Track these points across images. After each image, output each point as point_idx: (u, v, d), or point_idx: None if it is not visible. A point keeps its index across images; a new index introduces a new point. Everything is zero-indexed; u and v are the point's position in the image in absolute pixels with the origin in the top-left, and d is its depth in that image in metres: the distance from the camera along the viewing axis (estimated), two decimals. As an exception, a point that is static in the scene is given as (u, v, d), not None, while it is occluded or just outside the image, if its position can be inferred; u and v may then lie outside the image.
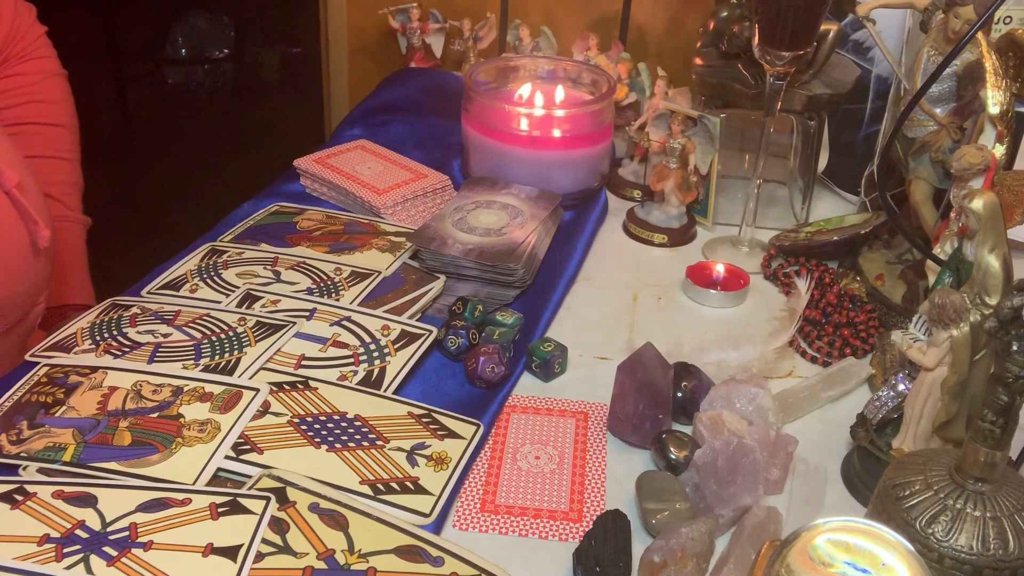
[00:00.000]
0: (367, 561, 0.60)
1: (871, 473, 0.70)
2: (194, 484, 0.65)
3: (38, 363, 0.77)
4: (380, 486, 0.67)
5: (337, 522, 0.63)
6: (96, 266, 1.13)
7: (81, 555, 0.58)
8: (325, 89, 1.72)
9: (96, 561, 0.58)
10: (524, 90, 1.13)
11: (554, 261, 0.98)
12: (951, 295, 0.63)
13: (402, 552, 0.61)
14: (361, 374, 0.78)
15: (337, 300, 0.87)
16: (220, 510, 0.63)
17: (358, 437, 0.71)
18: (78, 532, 0.60)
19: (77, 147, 1.10)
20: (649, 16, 1.45)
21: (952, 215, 0.79)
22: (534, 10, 1.48)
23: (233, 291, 0.88)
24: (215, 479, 0.67)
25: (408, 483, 0.67)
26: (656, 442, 0.72)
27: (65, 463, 0.66)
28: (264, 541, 0.61)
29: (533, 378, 0.82)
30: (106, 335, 0.81)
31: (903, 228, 0.87)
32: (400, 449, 0.70)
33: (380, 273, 0.92)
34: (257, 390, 0.74)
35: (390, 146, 1.16)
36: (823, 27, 0.99)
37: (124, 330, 0.81)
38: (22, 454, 0.67)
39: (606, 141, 1.11)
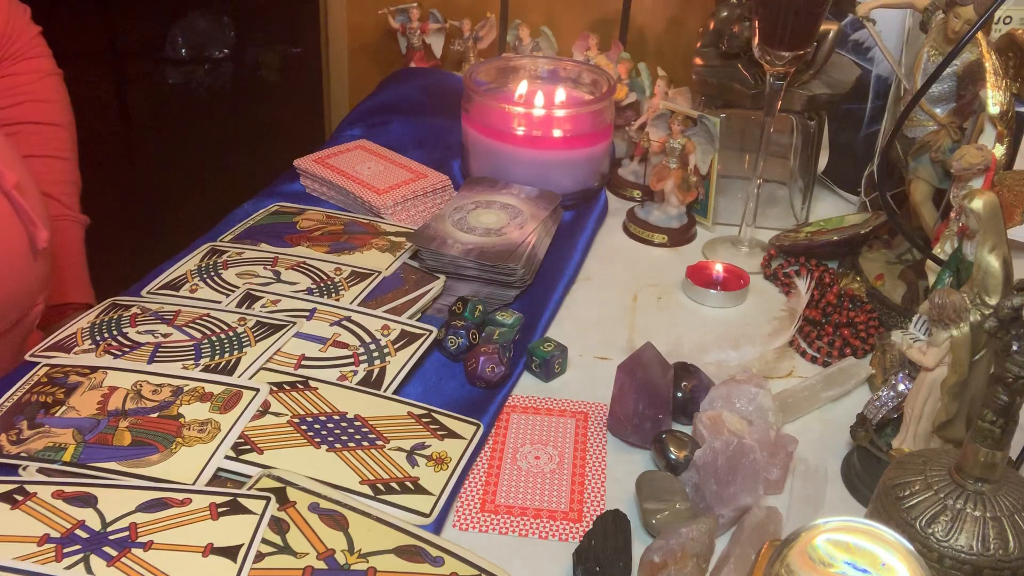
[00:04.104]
0: (367, 561, 0.60)
1: (871, 473, 0.70)
2: (194, 484, 0.65)
3: (38, 363, 0.77)
4: (380, 486, 0.67)
5: (337, 522, 0.63)
6: (96, 266, 1.13)
7: (81, 555, 0.58)
8: (325, 89, 1.72)
9: (96, 561, 0.58)
10: (524, 90, 1.13)
11: (554, 261, 0.98)
12: (951, 295, 0.63)
13: (402, 552, 0.61)
14: (361, 374, 0.78)
15: (337, 300, 0.87)
16: (220, 510, 0.63)
17: (358, 437, 0.71)
18: (78, 532, 0.60)
19: (75, 146, 1.10)
20: (649, 16, 1.45)
21: (952, 215, 0.80)
22: (534, 10, 1.48)
23: (233, 291, 0.88)
24: (215, 479, 0.67)
25: (408, 483, 0.67)
26: (656, 442, 0.72)
27: (65, 463, 0.66)
28: (264, 541, 0.61)
29: (533, 378, 0.82)
30: (106, 335, 0.81)
31: (903, 228, 0.87)
32: (400, 449, 0.70)
33: (380, 273, 0.92)
34: (257, 390, 0.74)
35: (390, 146, 1.16)
36: (823, 27, 0.99)
37: (124, 330, 0.81)
38: (22, 454, 0.67)
39: (606, 141, 1.11)
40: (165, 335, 0.80)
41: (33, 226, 0.84)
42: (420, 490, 0.67)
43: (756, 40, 0.92)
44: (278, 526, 0.62)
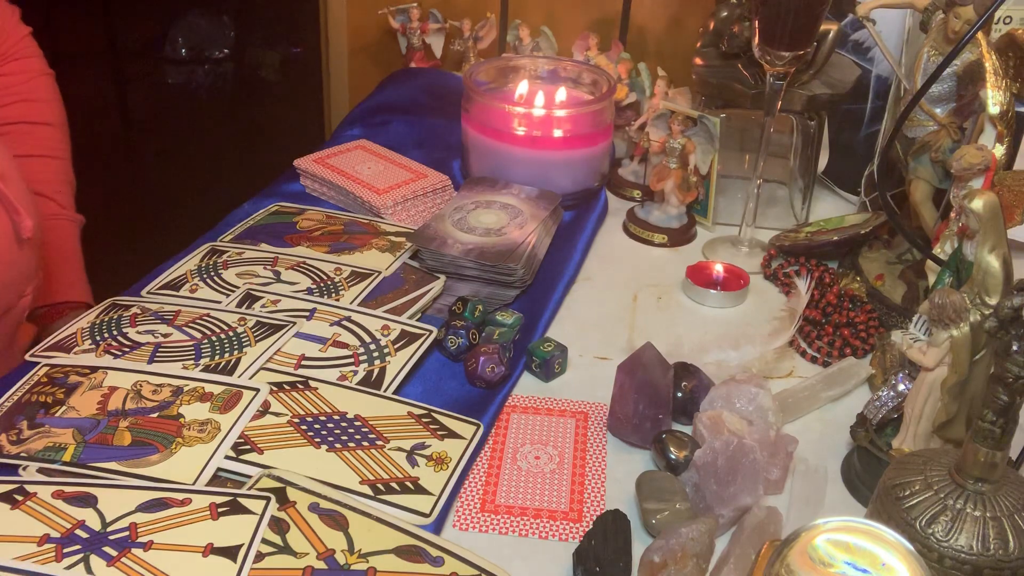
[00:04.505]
0: (367, 561, 0.60)
1: (871, 473, 0.70)
2: (194, 484, 0.65)
3: (38, 363, 0.77)
4: (380, 486, 0.67)
5: (337, 522, 0.63)
6: (96, 266, 1.13)
7: (81, 555, 0.58)
8: (325, 89, 1.72)
9: (96, 561, 0.58)
10: (524, 90, 1.13)
11: (554, 261, 0.98)
12: (951, 295, 0.63)
13: (402, 552, 0.61)
14: (361, 374, 0.78)
15: (337, 300, 0.87)
16: (220, 510, 0.63)
17: (358, 437, 0.71)
18: (78, 532, 0.60)
19: (68, 146, 1.10)
20: (649, 16, 1.45)
21: (952, 215, 0.80)
22: (534, 10, 1.48)
23: (233, 291, 0.88)
24: (215, 479, 0.67)
25: (408, 483, 0.67)
26: (656, 442, 0.72)
27: (65, 463, 0.66)
28: (264, 541, 0.61)
29: (533, 378, 0.82)
30: (106, 335, 0.81)
31: (903, 228, 0.87)
32: (400, 449, 0.70)
33: (380, 273, 0.92)
34: (257, 390, 0.74)
35: (390, 146, 1.16)
36: (823, 27, 0.99)
37: (124, 330, 0.81)
38: (22, 454, 0.67)
39: (606, 141, 1.11)
40: (165, 335, 0.80)
41: (17, 215, 0.84)
42: (420, 490, 0.67)
43: (756, 40, 0.92)
44: (278, 526, 0.62)
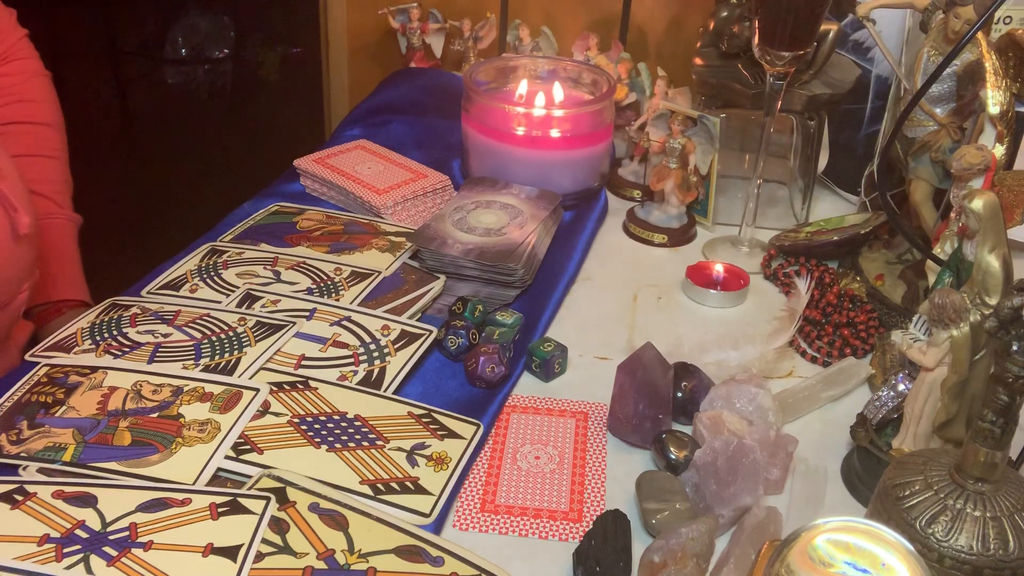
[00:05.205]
0: (367, 561, 0.60)
1: (871, 473, 0.70)
2: (194, 484, 0.65)
3: (38, 363, 0.77)
4: (380, 486, 0.67)
5: (337, 522, 0.63)
6: (96, 266, 1.13)
7: (81, 555, 0.58)
8: (325, 89, 1.72)
9: (96, 561, 0.58)
10: (524, 90, 1.13)
11: (554, 261, 0.98)
12: (951, 295, 0.63)
13: (402, 552, 0.61)
14: (361, 374, 0.78)
15: (337, 300, 0.87)
16: (220, 510, 0.63)
17: (358, 437, 0.71)
18: (78, 532, 0.60)
19: (64, 146, 1.11)
20: (649, 16, 1.45)
21: (952, 215, 0.80)
22: (534, 10, 1.48)
23: (233, 291, 0.88)
24: (215, 479, 0.67)
25: (408, 483, 0.67)
26: (656, 442, 0.72)
27: (65, 463, 0.66)
28: (264, 541, 0.61)
29: (533, 378, 0.82)
30: (106, 335, 0.81)
31: (903, 228, 0.87)
32: (400, 449, 0.70)
33: (380, 273, 0.92)
34: (257, 390, 0.74)
35: (390, 146, 1.16)
36: (823, 27, 0.99)
37: (124, 330, 0.81)
38: (22, 454, 0.67)
39: (606, 141, 1.11)
40: (165, 335, 0.80)
41: (14, 211, 0.84)
42: (420, 490, 0.67)
43: (756, 40, 0.92)
44: (278, 526, 0.62)
